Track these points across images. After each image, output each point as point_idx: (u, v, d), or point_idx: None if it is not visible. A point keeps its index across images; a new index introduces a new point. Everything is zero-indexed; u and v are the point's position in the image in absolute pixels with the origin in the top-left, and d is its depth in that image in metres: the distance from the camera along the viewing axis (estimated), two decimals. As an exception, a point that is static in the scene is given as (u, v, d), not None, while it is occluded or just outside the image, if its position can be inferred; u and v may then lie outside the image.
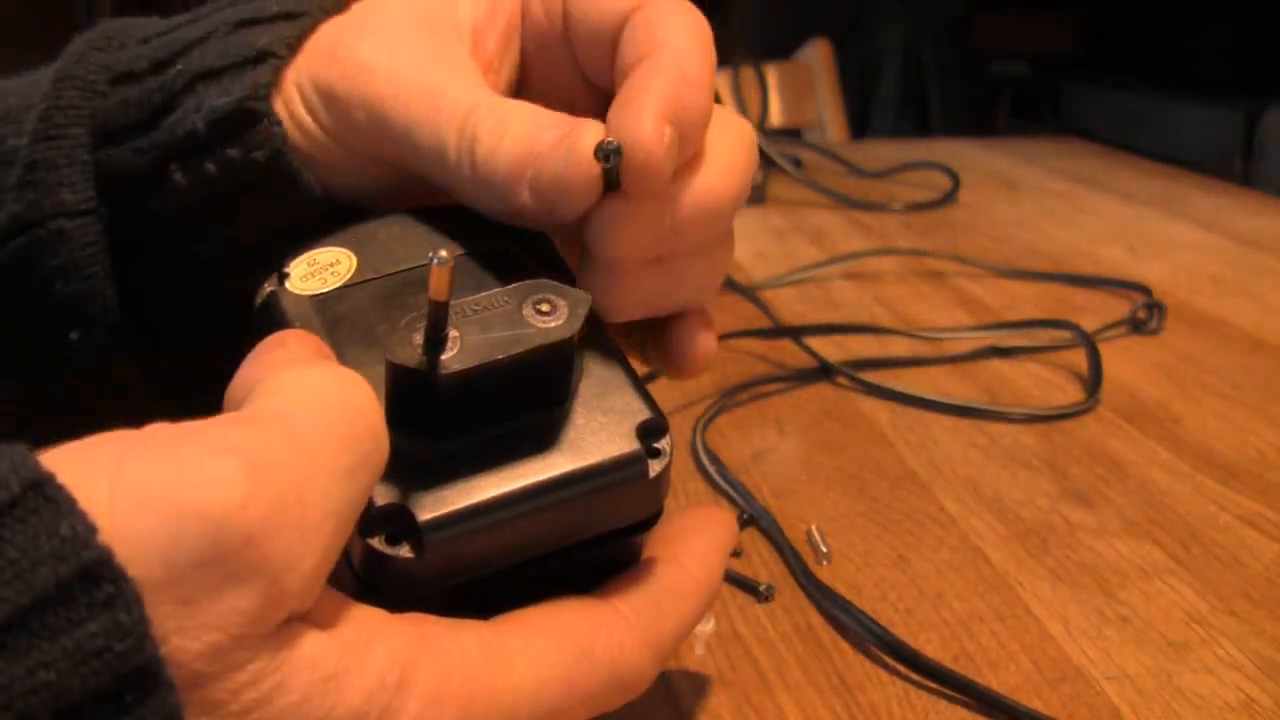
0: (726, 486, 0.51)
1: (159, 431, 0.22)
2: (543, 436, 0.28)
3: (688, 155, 0.31)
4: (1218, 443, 0.56)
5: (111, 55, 0.36)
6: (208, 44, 0.35)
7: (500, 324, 0.28)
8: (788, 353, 0.66)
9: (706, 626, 0.39)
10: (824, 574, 0.44)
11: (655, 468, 0.29)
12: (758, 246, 0.91)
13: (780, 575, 0.44)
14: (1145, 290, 0.77)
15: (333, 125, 0.33)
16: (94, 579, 0.20)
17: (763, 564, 0.45)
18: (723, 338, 0.68)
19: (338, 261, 0.32)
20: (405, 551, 0.26)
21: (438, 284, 0.26)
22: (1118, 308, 0.75)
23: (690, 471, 0.53)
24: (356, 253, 0.32)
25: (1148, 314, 0.72)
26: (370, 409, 0.25)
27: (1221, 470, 0.53)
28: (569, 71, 0.36)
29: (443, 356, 0.27)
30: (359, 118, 0.32)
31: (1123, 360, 0.66)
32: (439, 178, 0.32)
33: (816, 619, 0.41)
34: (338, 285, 0.31)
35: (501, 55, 0.36)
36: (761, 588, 0.42)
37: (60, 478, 0.21)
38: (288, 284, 0.31)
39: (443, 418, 0.27)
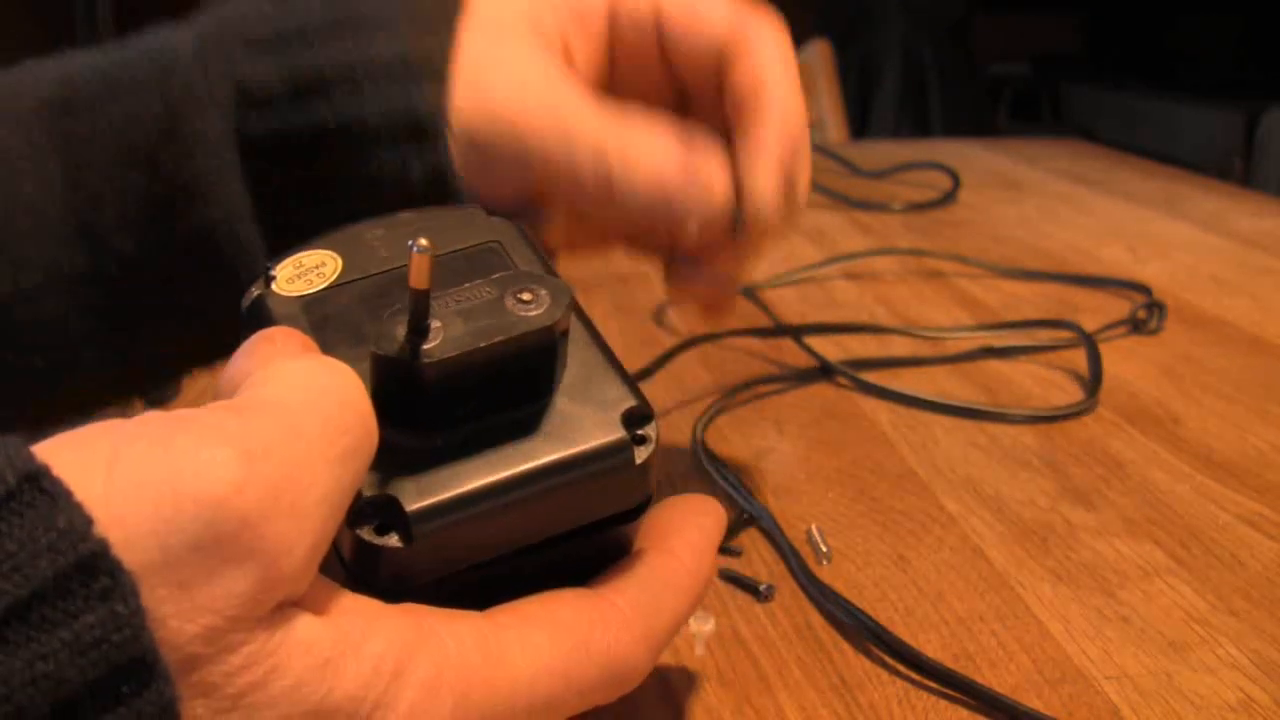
0: (726, 486, 0.51)
1: (153, 421, 0.23)
2: (529, 426, 0.29)
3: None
4: (1218, 443, 0.56)
5: (249, 27, 0.39)
6: (360, 34, 0.38)
7: (482, 314, 0.28)
8: (788, 352, 0.66)
9: (706, 626, 0.39)
10: (824, 574, 0.44)
11: (641, 454, 0.29)
12: (758, 246, 0.91)
13: (780, 575, 0.44)
14: (1145, 290, 0.76)
15: (471, 153, 0.37)
16: (91, 571, 0.20)
17: (763, 564, 0.45)
18: (723, 337, 0.68)
19: (323, 263, 0.32)
20: (394, 541, 0.27)
21: (418, 272, 0.26)
22: (1118, 308, 0.75)
23: (690, 471, 0.53)
24: (342, 254, 0.32)
25: (1148, 314, 0.71)
26: (359, 397, 0.25)
27: (1221, 470, 0.53)
28: (656, 77, 0.42)
29: (425, 346, 0.27)
30: (498, 147, 0.37)
31: (1123, 360, 0.66)
32: (568, 189, 0.37)
33: (816, 619, 0.41)
34: (323, 286, 0.31)
35: (587, 64, 0.41)
36: (761, 587, 0.42)
37: (55, 470, 0.21)
38: (274, 286, 0.31)
39: (428, 408, 0.28)
